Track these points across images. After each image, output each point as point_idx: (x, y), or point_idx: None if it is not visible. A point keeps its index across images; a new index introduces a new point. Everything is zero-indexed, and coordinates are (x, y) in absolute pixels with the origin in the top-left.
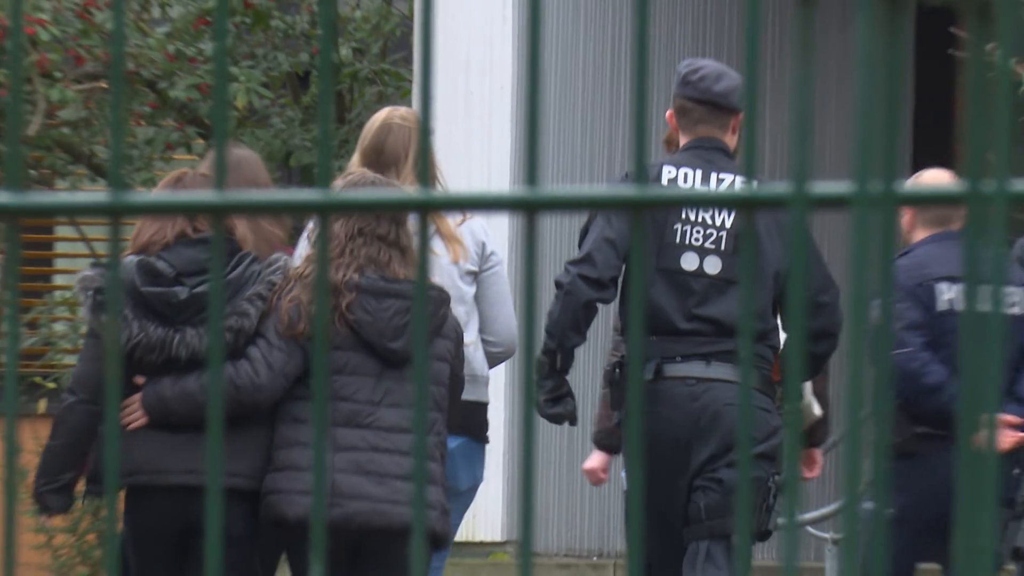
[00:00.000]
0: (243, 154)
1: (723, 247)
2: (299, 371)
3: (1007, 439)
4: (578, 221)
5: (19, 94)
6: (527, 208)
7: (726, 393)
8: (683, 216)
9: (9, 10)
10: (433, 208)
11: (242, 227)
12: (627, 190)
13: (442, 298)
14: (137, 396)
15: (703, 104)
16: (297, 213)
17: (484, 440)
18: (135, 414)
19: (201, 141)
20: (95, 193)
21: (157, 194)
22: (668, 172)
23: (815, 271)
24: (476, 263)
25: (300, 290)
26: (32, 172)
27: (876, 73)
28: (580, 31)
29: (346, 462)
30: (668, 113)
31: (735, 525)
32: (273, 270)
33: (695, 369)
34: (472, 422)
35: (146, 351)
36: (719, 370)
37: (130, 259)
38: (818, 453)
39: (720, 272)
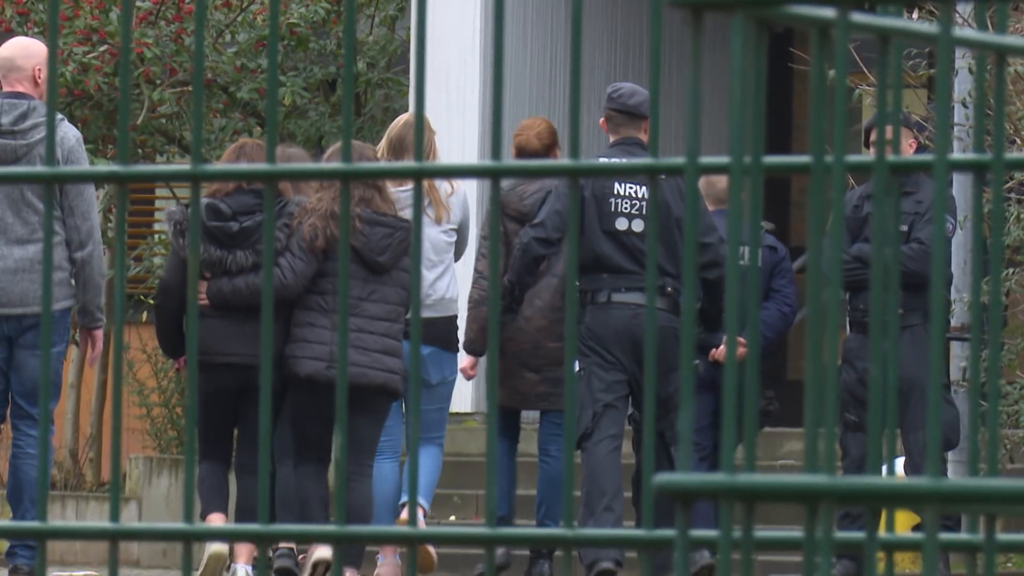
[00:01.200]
0: (293, 152)
1: (644, 212)
2: (314, 273)
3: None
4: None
5: (127, 95)
6: (492, 175)
7: (659, 319)
8: (615, 192)
9: (122, 36)
10: (425, 175)
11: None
12: (565, 162)
13: (407, 227)
14: (203, 286)
15: (622, 113)
16: (325, 179)
17: (454, 349)
18: (202, 298)
19: (259, 129)
20: (182, 165)
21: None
22: (603, 161)
23: (702, 220)
24: (456, 223)
25: (316, 218)
26: (138, 151)
27: (745, 78)
28: (527, 45)
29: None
30: (600, 120)
31: (668, 424)
32: (291, 207)
33: (634, 298)
34: (443, 334)
35: (208, 265)
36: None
37: (202, 201)
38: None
39: (643, 230)
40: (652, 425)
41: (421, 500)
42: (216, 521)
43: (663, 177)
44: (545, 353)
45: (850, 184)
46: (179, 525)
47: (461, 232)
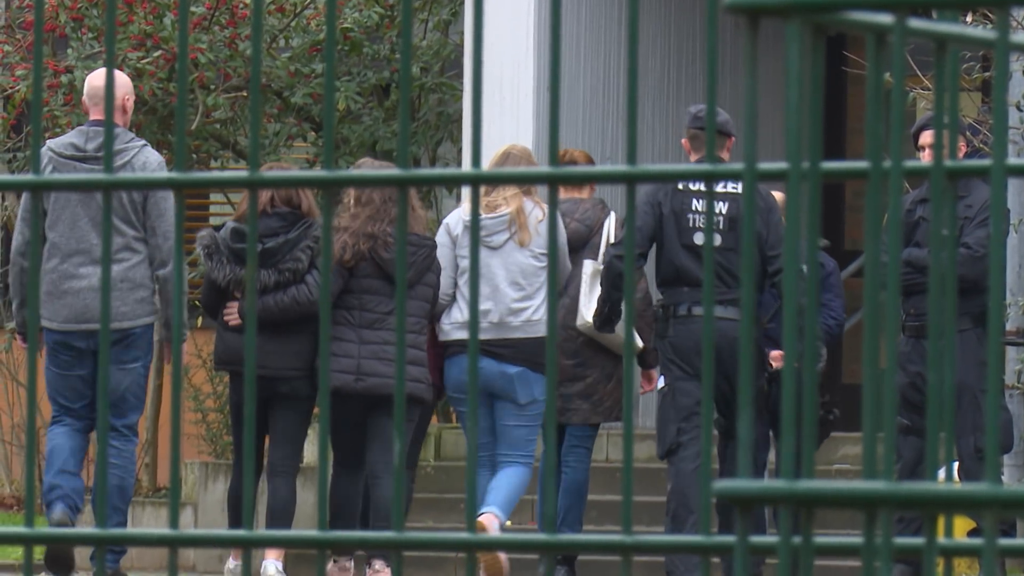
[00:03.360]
0: (364, 161)
1: (721, 227)
2: (340, 290)
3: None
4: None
5: (184, 100)
6: (549, 181)
7: (730, 327)
8: (693, 208)
9: (178, 43)
10: (481, 181)
11: (307, 202)
12: (622, 168)
13: (432, 244)
14: (234, 305)
15: (716, 135)
16: (382, 185)
17: (542, 370)
18: (233, 315)
19: (313, 133)
20: (237, 171)
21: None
22: (687, 181)
23: (777, 234)
24: (544, 247)
25: (348, 235)
26: (193, 156)
27: (801, 83)
28: (581, 53)
29: (368, 352)
30: (683, 140)
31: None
32: (317, 229)
33: (715, 310)
34: (530, 355)
35: (234, 284)
36: (725, 311)
37: (228, 225)
38: (654, 372)
39: (721, 244)
40: (708, 431)
41: (498, 511)
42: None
43: (738, 190)
44: (561, 370)
45: (904, 189)
46: (237, 531)
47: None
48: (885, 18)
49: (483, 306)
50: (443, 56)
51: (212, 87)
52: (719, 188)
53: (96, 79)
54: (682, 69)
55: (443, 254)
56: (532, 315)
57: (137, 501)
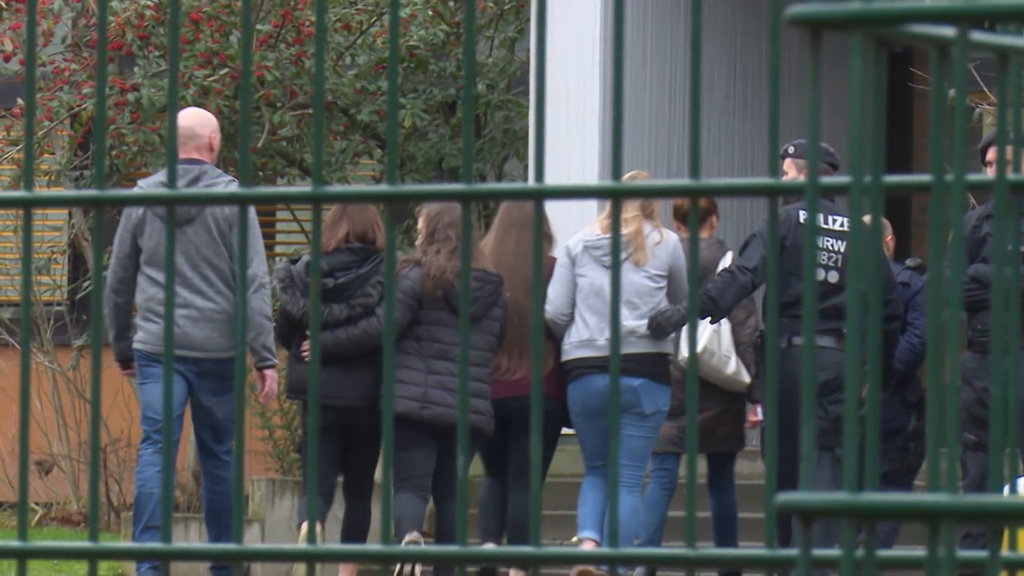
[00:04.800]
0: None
1: (839, 264)
2: (408, 323)
3: None
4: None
5: (248, 118)
6: (612, 195)
7: (831, 356)
8: (818, 246)
9: (241, 60)
10: (545, 196)
11: (380, 238)
12: (686, 182)
13: (499, 280)
14: (306, 344)
15: (826, 166)
16: (445, 199)
17: (665, 381)
18: (306, 351)
19: (379, 151)
20: (302, 187)
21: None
22: (803, 214)
23: (886, 275)
24: (664, 269)
25: (435, 269)
26: (259, 174)
27: (864, 96)
28: (646, 69)
29: (435, 382)
30: (788, 164)
31: (837, 441)
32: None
33: (821, 341)
34: (652, 367)
35: (307, 319)
36: (821, 340)
37: (303, 259)
38: (757, 408)
39: (837, 281)
40: (773, 448)
41: (597, 536)
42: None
43: (844, 227)
44: (679, 403)
45: (970, 204)
46: (301, 546)
47: (673, 279)
48: (947, 31)
49: (597, 324)
50: (509, 73)
51: (278, 105)
52: (837, 226)
53: (184, 119)
54: (748, 84)
55: (562, 273)
56: (646, 332)
57: (192, 517)
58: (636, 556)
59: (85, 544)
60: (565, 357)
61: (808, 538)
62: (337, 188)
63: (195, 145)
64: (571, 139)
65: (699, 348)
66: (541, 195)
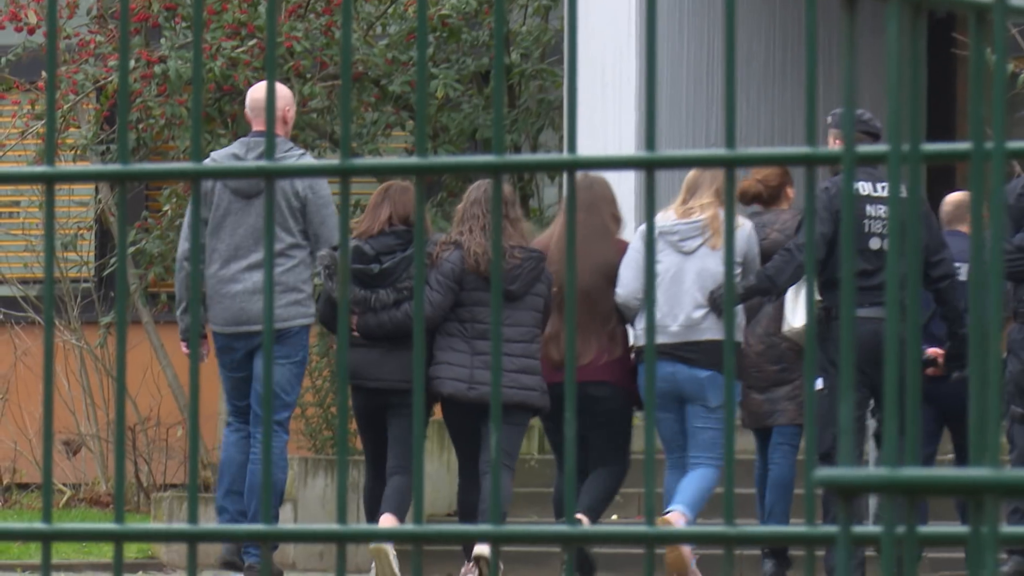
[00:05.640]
0: (596, 178)
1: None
2: (451, 304)
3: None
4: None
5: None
6: (647, 166)
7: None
8: (867, 214)
9: (267, 30)
10: (579, 166)
11: (425, 221)
12: (721, 151)
13: (540, 255)
14: (354, 320)
15: (868, 135)
16: (476, 171)
17: (736, 373)
18: (355, 331)
19: (411, 122)
20: (331, 160)
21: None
22: (858, 184)
23: (935, 237)
24: (740, 256)
25: (476, 247)
26: None
27: (902, 63)
28: (684, 39)
29: (480, 362)
30: (831, 135)
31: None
32: (431, 245)
33: (877, 312)
34: (720, 358)
35: (354, 303)
36: (880, 311)
37: (350, 242)
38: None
39: (887, 248)
40: (811, 421)
41: (685, 509)
42: (388, 523)
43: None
44: (767, 375)
45: (1016, 172)
46: (332, 526)
47: (747, 266)
48: None
49: (670, 310)
50: (543, 42)
51: (308, 76)
52: (886, 193)
53: (257, 91)
54: (787, 53)
55: (634, 258)
56: (715, 321)
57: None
58: (675, 534)
59: (111, 526)
60: (636, 343)
61: (848, 515)
62: (365, 160)
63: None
64: (608, 109)
65: (797, 320)
66: (574, 166)
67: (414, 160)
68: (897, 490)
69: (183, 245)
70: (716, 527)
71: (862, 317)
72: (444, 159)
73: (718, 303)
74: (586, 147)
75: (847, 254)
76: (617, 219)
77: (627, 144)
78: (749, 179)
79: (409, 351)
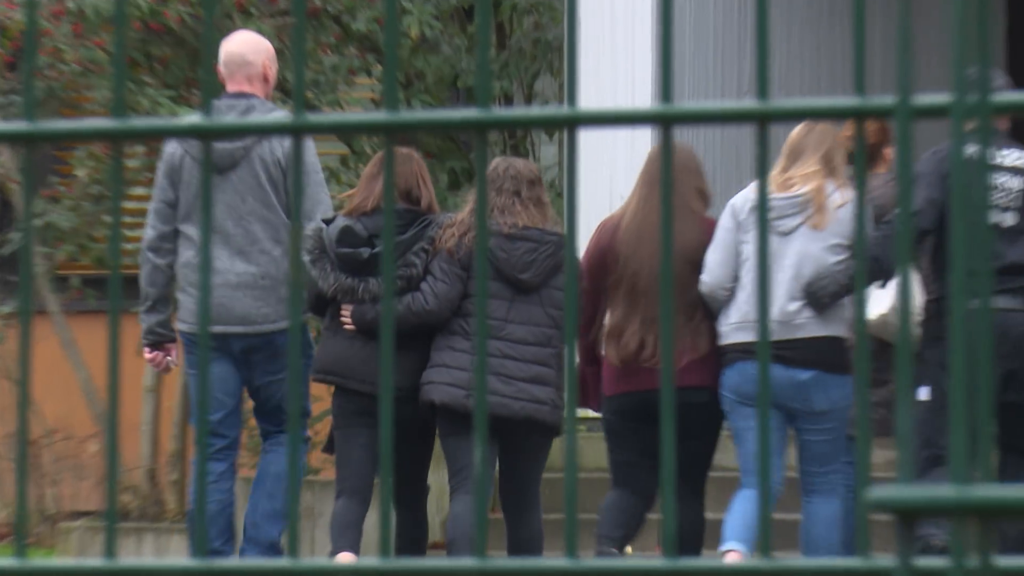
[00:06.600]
0: (676, 144)
1: (1020, 204)
2: (459, 295)
3: None
4: (707, 134)
5: (212, 28)
6: (663, 121)
7: (1015, 320)
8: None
9: None
10: (581, 122)
11: (428, 197)
12: (751, 103)
13: (558, 240)
14: (348, 308)
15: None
16: (457, 129)
17: (841, 371)
18: (347, 323)
19: (379, 67)
20: (280, 114)
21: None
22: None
23: None
24: (846, 238)
25: (456, 226)
26: None
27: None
28: None
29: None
30: None
31: None
32: (433, 229)
33: (1000, 302)
34: (823, 355)
35: (341, 293)
36: (1013, 301)
37: (339, 221)
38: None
39: (1011, 224)
40: (867, 437)
41: (821, 544)
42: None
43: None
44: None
45: None
46: (281, 561)
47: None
48: None
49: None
50: None
51: (254, 12)
52: (1010, 161)
53: (233, 43)
54: None
55: (723, 238)
56: (814, 314)
57: (162, 529)
58: (699, 569)
59: (8, 562)
60: (723, 340)
61: (909, 542)
62: (323, 116)
63: (245, 75)
64: (618, 56)
65: (886, 308)
66: (574, 122)
67: (382, 115)
68: (969, 512)
69: (149, 232)
70: (752, 562)
71: (1000, 309)
72: (419, 114)
73: (816, 296)
74: (593, 99)
75: (903, 225)
76: (703, 194)
77: (641, 95)
78: (840, 136)
79: (405, 350)
